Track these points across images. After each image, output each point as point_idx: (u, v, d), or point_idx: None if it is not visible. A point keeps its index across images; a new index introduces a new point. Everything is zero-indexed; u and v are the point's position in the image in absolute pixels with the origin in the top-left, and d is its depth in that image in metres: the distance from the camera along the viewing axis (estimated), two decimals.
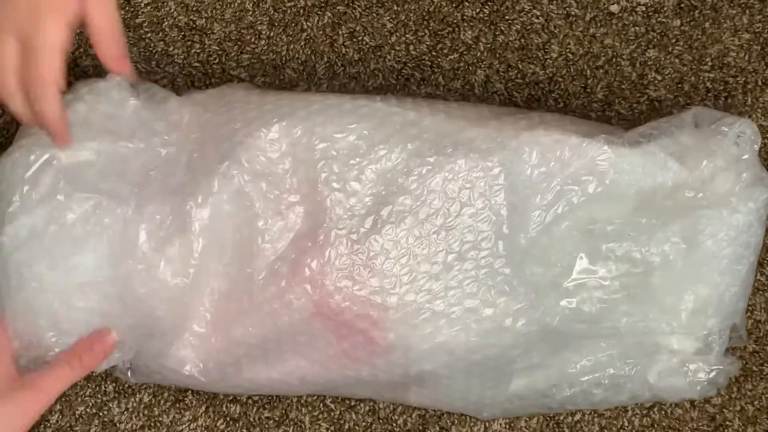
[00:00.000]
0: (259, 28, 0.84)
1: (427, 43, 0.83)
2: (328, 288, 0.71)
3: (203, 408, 0.79)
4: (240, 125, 0.73)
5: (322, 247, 0.71)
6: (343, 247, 0.71)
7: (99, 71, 0.73)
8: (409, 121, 0.73)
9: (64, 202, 0.70)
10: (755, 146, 0.73)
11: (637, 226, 0.72)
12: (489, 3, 0.83)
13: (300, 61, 0.83)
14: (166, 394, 0.80)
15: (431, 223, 0.72)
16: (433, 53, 0.83)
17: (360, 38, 0.83)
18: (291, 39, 0.84)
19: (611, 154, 0.72)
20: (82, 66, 0.81)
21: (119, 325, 0.71)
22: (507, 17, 0.83)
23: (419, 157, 0.72)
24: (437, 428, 0.79)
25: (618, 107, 0.82)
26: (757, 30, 0.82)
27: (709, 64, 0.82)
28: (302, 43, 0.83)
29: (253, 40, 0.84)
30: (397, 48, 0.83)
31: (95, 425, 0.80)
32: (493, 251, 0.72)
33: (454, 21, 0.83)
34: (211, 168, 0.72)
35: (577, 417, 0.79)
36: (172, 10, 0.84)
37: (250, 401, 0.80)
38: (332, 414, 0.79)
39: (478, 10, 0.83)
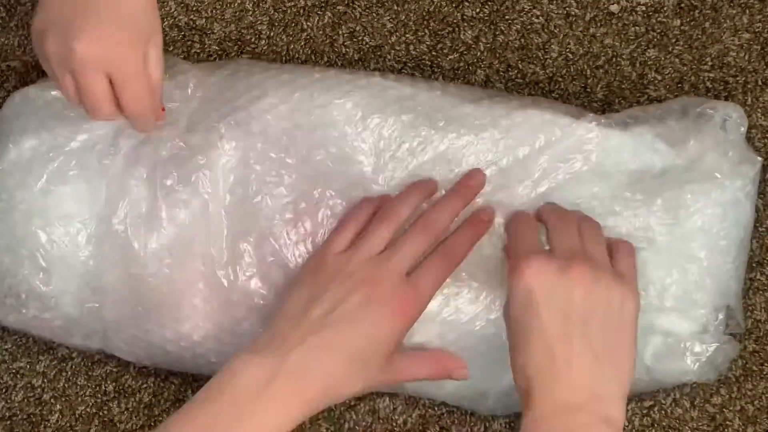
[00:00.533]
0: (259, 28, 0.84)
1: (427, 43, 0.83)
2: None
3: None
4: (242, 89, 0.75)
5: (316, 207, 0.72)
6: (338, 209, 0.72)
7: None
8: (406, 95, 0.75)
9: (69, 133, 0.73)
10: (741, 128, 0.75)
11: (624, 203, 0.73)
12: (489, 3, 0.83)
13: (300, 61, 0.83)
14: (166, 394, 0.80)
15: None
16: (433, 53, 0.83)
17: (360, 38, 0.83)
18: (291, 39, 0.84)
19: (599, 134, 0.74)
20: None
21: (101, 273, 0.72)
22: (507, 17, 0.83)
23: (413, 128, 0.74)
24: (437, 428, 0.79)
25: (618, 107, 0.82)
26: (757, 30, 0.82)
27: (709, 63, 0.82)
28: (302, 43, 0.83)
29: (253, 40, 0.84)
30: (397, 48, 0.83)
31: (95, 425, 0.80)
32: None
33: (454, 21, 0.83)
34: (211, 126, 0.73)
35: None
36: (172, 10, 0.84)
37: None
38: (332, 414, 0.79)
39: (478, 10, 0.83)
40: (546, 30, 0.83)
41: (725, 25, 0.82)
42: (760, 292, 0.80)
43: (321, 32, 0.83)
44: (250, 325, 0.73)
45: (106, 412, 0.80)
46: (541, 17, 0.83)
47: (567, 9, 0.83)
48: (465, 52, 0.83)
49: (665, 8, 0.82)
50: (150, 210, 0.72)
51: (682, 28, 0.82)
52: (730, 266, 0.74)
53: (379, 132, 0.74)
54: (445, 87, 0.77)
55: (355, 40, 0.83)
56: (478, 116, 0.74)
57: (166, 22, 0.83)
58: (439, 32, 0.83)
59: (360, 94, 0.74)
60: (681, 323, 0.73)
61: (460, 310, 0.72)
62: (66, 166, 0.73)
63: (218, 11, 0.84)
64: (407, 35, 0.83)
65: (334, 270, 0.68)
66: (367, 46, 0.83)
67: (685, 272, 0.73)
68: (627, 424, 0.79)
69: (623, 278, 0.66)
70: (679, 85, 0.82)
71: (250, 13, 0.84)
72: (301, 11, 0.84)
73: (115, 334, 0.75)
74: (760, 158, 0.75)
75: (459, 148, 0.74)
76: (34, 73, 0.84)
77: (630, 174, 0.74)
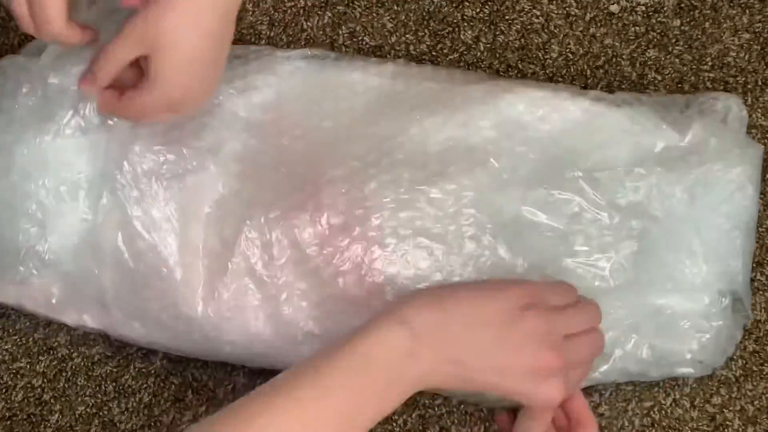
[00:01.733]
0: (259, 28, 0.84)
1: (427, 43, 0.83)
2: (324, 227, 0.72)
3: (203, 408, 0.79)
4: (251, 68, 0.76)
5: (319, 186, 0.72)
6: (340, 189, 0.72)
7: None
8: (398, 89, 0.76)
9: (67, 87, 0.72)
10: (742, 120, 0.76)
11: (627, 179, 0.73)
12: (489, 3, 0.83)
13: None
14: (165, 394, 0.80)
15: (417, 180, 0.73)
16: (433, 53, 0.83)
17: (360, 38, 0.83)
18: (291, 39, 0.84)
19: (601, 109, 0.74)
20: None
21: (100, 232, 0.72)
22: (507, 17, 0.83)
23: (411, 112, 0.74)
24: (437, 428, 0.79)
25: None
26: (757, 30, 0.82)
27: (709, 63, 0.82)
28: (302, 43, 0.83)
29: (253, 40, 0.84)
30: (397, 48, 0.83)
31: (95, 425, 0.80)
32: (483, 207, 0.73)
33: (454, 21, 0.83)
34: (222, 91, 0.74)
35: None
36: None
37: None
38: None
39: (478, 10, 0.83)
40: (546, 30, 0.83)
41: (725, 25, 0.82)
42: (760, 292, 0.79)
43: (321, 32, 0.83)
44: (252, 300, 0.73)
45: (106, 412, 0.80)
46: (541, 17, 0.83)
47: (567, 9, 0.83)
48: (465, 52, 0.83)
49: (665, 8, 0.82)
50: (152, 172, 0.72)
51: (682, 28, 0.82)
52: (737, 251, 0.74)
53: (373, 126, 0.74)
54: (437, 73, 0.77)
55: (355, 40, 0.83)
56: (477, 96, 0.75)
57: None
58: (439, 32, 0.83)
59: (361, 98, 0.75)
60: (684, 304, 0.73)
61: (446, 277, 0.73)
62: (66, 122, 0.72)
63: None
64: (407, 35, 0.83)
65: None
66: (367, 46, 0.83)
67: (689, 253, 0.73)
68: (627, 424, 0.79)
69: None
70: (679, 85, 0.82)
71: (250, 13, 0.84)
72: (301, 11, 0.84)
73: (114, 301, 0.74)
74: (761, 146, 0.76)
75: (456, 130, 0.74)
76: None
77: (634, 151, 0.74)
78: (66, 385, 0.80)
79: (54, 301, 0.74)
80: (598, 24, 0.83)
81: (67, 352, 0.80)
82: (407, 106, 0.75)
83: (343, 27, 0.83)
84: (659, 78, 0.82)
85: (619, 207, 0.73)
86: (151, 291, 0.72)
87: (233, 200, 0.72)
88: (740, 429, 0.78)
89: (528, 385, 0.64)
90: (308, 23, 0.84)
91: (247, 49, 0.78)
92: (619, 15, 0.83)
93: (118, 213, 0.72)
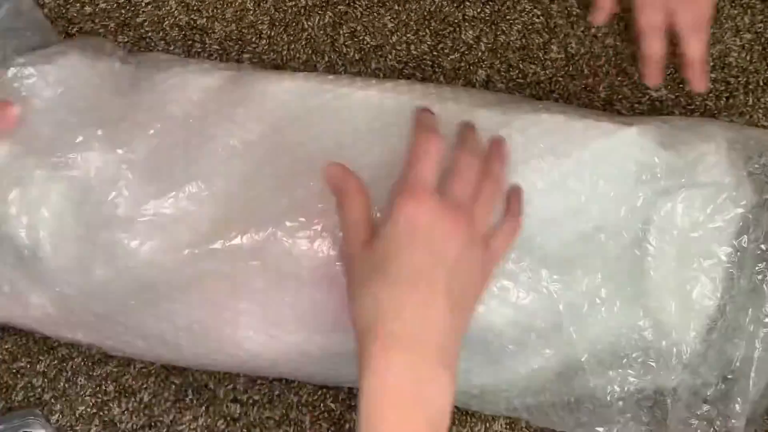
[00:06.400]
0: (260, 27, 0.84)
1: (428, 42, 0.83)
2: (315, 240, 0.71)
3: (203, 408, 0.79)
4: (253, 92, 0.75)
5: (313, 199, 0.71)
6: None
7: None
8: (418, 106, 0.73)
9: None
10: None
11: (637, 210, 0.71)
12: (490, 3, 0.83)
13: (301, 61, 0.83)
14: (166, 394, 0.80)
15: None
16: (434, 53, 0.83)
17: (361, 38, 0.83)
18: (292, 38, 0.83)
19: (613, 141, 0.72)
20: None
21: (87, 263, 0.71)
22: (508, 17, 0.83)
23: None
24: None
25: (619, 107, 0.82)
26: (758, 30, 0.82)
27: (711, 64, 0.82)
28: (303, 43, 0.83)
29: (253, 39, 0.84)
30: (398, 48, 0.83)
31: (95, 425, 0.80)
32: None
33: (456, 21, 0.83)
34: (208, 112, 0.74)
35: None
36: (173, 9, 0.84)
37: (250, 401, 0.80)
38: (333, 414, 0.79)
39: (479, 10, 0.83)
40: (547, 30, 0.83)
41: (727, 25, 0.82)
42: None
43: (322, 32, 0.83)
44: (250, 318, 0.72)
45: (106, 412, 0.80)
46: (542, 17, 0.83)
47: (568, 9, 0.83)
48: (466, 52, 0.83)
49: None
50: (144, 201, 0.71)
51: None
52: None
53: (388, 147, 0.72)
54: (457, 95, 0.75)
55: (356, 39, 0.83)
56: (485, 125, 0.72)
57: (167, 22, 0.83)
58: (441, 32, 0.83)
59: (368, 113, 0.74)
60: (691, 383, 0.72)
61: None
62: (61, 159, 0.72)
63: (219, 10, 0.83)
64: (408, 35, 0.83)
65: None
66: (368, 45, 0.83)
67: (679, 303, 0.71)
68: None
69: (491, 255, 0.64)
70: (681, 85, 0.82)
71: (251, 12, 0.84)
72: (302, 11, 0.84)
73: (103, 323, 0.74)
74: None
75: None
76: None
77: (639, 187, 0.72)
78: (66, 385, 0.80)
79: (47, 323, 0.74)
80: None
81: (67, 352, 0.80)
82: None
83: (344, 26, 0.83)
84: None
85: (623, 239, 0.72)
86: (154, 308, 0.72)
87: (228, 222, 0.71)
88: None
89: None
90: (309, 22, 0.83)
91: (241, 66, 0.78)
92: (621, 15, 0.82)
93: (111, 242, 0.71)
